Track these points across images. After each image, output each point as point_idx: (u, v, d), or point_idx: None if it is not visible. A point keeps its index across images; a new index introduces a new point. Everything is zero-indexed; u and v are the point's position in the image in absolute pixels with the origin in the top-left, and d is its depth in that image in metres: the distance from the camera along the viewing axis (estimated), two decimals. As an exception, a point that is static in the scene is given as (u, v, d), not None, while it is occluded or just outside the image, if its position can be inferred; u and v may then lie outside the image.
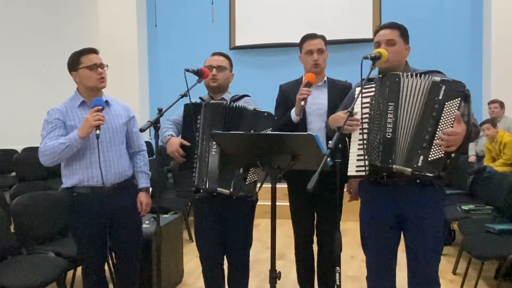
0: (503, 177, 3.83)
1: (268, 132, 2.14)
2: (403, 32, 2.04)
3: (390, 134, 1.88)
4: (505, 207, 3.51)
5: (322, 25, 7.04)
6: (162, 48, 8.16)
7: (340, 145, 1.71)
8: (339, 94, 2.49)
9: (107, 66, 2.41)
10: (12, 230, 2.89)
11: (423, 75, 1.89)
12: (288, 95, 2.57)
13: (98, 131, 2.15)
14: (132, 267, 2.52)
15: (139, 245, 2.56)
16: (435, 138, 1.80)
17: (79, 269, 3.03)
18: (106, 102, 2.42)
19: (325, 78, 2.61)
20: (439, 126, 1.80)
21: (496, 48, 6.47)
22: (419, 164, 1.81)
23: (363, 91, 1.97)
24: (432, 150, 1.80)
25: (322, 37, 2.58)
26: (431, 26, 7.06)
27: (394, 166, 1.86)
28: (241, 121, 2.21)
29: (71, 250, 2.83)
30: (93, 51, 2.39)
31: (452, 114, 1.78)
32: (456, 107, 1.78)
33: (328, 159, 1.57)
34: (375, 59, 1.90)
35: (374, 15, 7.16)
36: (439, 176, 1.81)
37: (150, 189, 2.59)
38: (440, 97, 1.81)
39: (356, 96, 1.94)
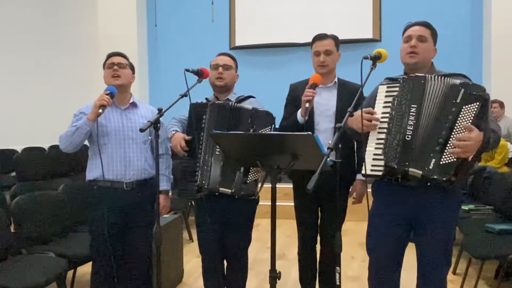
0: (503, 177, 3.83)
1: (267, 132, 2.14)
2: (434, 33, 2.03)
3: (409, 136, 1.84)
4: (505, 207, 3.51)
5: (322, 25, 7.01)
6: (162, 48, 8.16)
7: (340, 145, 1.70)
8: (349, 96, 2.45)
9: (128, 66, 2.52)
10: (12, 230, 2.89)
11: (445, 77, 1.86)
12: (297, 94, 2.55)
13: (101, 110, 2.27)
14: (138, 266, 2.54)
15: (147, 246, 2.58)
16: (449, 142, 1.77)
17: (79, 269, 3.04)
18: (134, 104, 2.55)
19: (336, 79, 2.58)
20: (454, 130, 1.77)
21: (496, 48, 6.47)
22: (431, 167, 1.78)
23: (387, 90, 1.96)
24: (444, 153, 1.77)
25: (333, 37, 2.54)
26: (431, 26, 7.06)
27: (410, 169, 1.83)
28: (239, 121, 2.22)
29: (71, 250, 2.84)
30: (118, 54, 2.53)
31: (468, 119, 1.75)
32: (474, 112, 1.74)
33: (328, 159, 1.57)
34: (375, 59, 1.89)
35: (374, 15, 7.17)
36: (450, 180, 1.77)
37: (170, 192, 2.64)
38: (458, 101, 1.77)
39: (377, 96, 1.95)
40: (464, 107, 1.76)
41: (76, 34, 7.28)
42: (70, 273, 2.95)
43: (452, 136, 1.77)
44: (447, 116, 1.79)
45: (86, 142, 2.47)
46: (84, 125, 2.32)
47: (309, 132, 1.75)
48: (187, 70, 2.19)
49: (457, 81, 1.81)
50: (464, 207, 3.75)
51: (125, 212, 2.43)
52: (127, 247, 2.50)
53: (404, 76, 1.95)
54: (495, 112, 5.65)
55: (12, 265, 2.56)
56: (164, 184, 2.57)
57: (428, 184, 1.87)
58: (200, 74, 2.26)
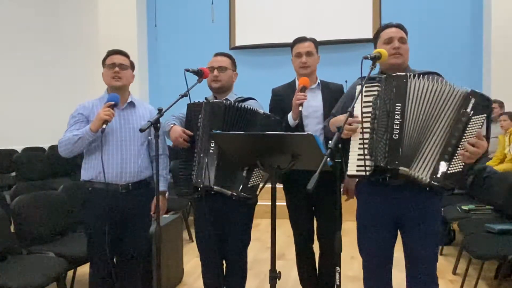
0: (503, 177, 3.83)
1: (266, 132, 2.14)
2: (407, 34, 2.09)
3: (397, 135, 1.86)
4: (505, 207, 3.51)
5: (322, 25, 7.06)
6: (162, 48, 8.17)
7: (340, 145, 1.70)
8: (333, 96, 2.52)
9: (131, 67, 2.48)
10: (12, 230, 2.89)
11: (423, 75, 1.89)
12: (282, 99, 2.58)
13: (104, 126, 2.23)
14: (135, 267, 2.53)
15: (144, 247, 2.57)
16: (457, 152, 1.79)
17: (79, 269, 3.04)
18: (132, 103, 2.50)
19: (318, 81, 2.63)
20: (462, 140, 1.79)
21: (496, 48, 6.47)
22: (438, 176, 1.81)
23: (365, 89, 1.96)
24: (452, 162, 1.80)
25: (313, 40, 2.60)
26: (431, 26, 7.07)
27: (400, 168, 1.85)
28: (252, 123, 2.22)
29: (71, 250, 2.84)
30: (119, 52, 2.47)
31: (476, 129, 1.78)
32: (481, 123, 1.78)
33: (328, 159, 1.57)
34: (375, 59, 1.89)
35: (374, 15, 7.17)
36: (452, 188, 1.82)
37: (167, 193, 2.61)
38: (468, 110, 1.79)
39: (356, 95, 1.94)
40: (473, 117, 1.79)
41: (76, 34, 7.29)
42: (70, 273, 2.96)
43: (460, 145, 1.79)
44: (456, 125, 1.80)
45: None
46: (87, 136, 2.29)
47: (309, 132, 1.76)
48: (187, 70, 2.18)
49: (468, 90, 1.82)
50: (464, 207, 3.75)
51: (121, 213, 2.40)
52: (124, 248, 2.49)
53: (384, 75, 1.95)
54: (494, 112, 5.65)
55: (12, 265, 2.56)
56: (161, 185, 2.52)
57: (427, 189, 1.89)
58: (200, 74, 2.25)
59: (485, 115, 1.78)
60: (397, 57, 2.00)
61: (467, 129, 1.79)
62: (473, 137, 1.77)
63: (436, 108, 1.84)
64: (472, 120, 1.79)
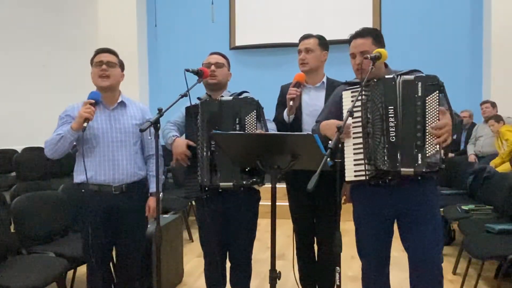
0: (503, 177, 3.83)
1: (253, 117, 2.19)
2: (376, 38, 2.04)
3: (394, 138, 1.88)
4: (505, 207, 3.51)
5: (322, 25, 7.04)
6: (162, 48, 8.16)
7: (340, 145, 1.70)
8: None
9: (119, 66, 2.45)
10: (12, 230, 2.89)
11: (403, 75, 1.92)
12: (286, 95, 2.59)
13: (85, 124, 2.18)
14: (132, 268, 2.52)
15: (141, 248, 2.57)
16: (426, 134, 1.84)
17: (79, 269, 3.04)
18: (122, 102, 2.46)
19: (324, 79, 2.61)
20: (427, 122, 1.84)
21: (496, 48, 6.47)
22: (420, 163, 1.84)
23: (351, 95, 1.99)
24: (427, 146, 1.84)
25: (318, 37, 2.59)
26: (431, 26, 7.07)
27: (402, 169, 1.87)
28: (224, 114, 2.23)
29: (71, 250, 2.83)
30: (107, 50, 2.43)
31: (435, 108, 1.84)
32: (437, 100, 1.84)
33: (328, 159, 1.58)
34: (375, 59, 1.90)
35: (374, 15, 7.17)
36: (440, 169, 1.83)
37: (161, 194, 2.58)
38: (420, 94, 1.86)
39: (344, 102, 1.98)
40: (426, 98, 1.85)
41: (76, 34, 7.28)
42: (70, 273, 2.95)
43: (426, 127, 1.84)
44: (416, 111, 1.87)
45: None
46: (68, 135, 2.23)
47: (309, 132, 1.76)
48: (187, 70, 2.18)
49: (411, 77, 1.89)
50: (464, 207, 3.75)
51: (116, 215, 2.39)
52: (121, 249, 2.48)
53: (374, 79, 1.95)
54: (487, 112, 5.70)
55: (12, 265, 2.56)
56: (155, 186, 2.52)
57: (419, 178, 1.91)
58: (200, 74, 2.25)
59: (437, 91, 1.84)
60: (359, 72, 2.02)
61: (427, 110, 1.85)
62: (437, 115, 1.82)
63: (407, 103, 1.89)
64: (427, 101, 1.85)
